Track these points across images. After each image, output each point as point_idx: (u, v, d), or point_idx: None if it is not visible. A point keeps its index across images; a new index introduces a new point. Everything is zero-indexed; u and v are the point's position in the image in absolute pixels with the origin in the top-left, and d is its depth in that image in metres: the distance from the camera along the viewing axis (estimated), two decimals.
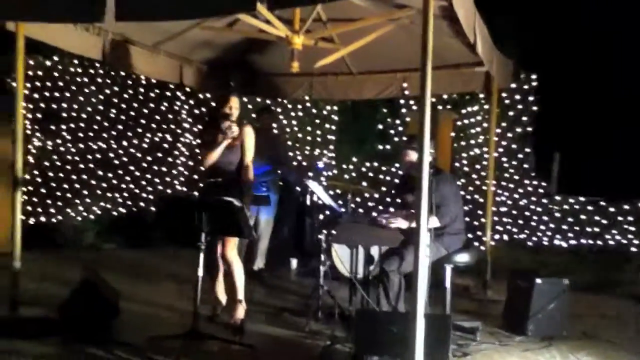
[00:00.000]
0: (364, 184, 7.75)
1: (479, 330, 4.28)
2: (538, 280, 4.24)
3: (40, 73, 7.52)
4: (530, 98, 7.41)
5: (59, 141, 7.68)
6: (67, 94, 7.71)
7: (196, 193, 7.76)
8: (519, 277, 4.49)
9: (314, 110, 8.43)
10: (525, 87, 7.39)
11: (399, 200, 6.46)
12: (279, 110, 8.30)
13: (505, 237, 7.27)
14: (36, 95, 7.49)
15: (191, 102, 8.53)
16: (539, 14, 7.94)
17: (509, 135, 7.40)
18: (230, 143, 4.27)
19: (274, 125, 7.30)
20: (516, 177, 7.35)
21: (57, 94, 7.64)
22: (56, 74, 7.64)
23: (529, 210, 7.23)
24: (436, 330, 3.08)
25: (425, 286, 2.98)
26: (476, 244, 6.84)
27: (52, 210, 7.65)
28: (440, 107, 7.54)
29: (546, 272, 6.16)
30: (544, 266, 6.57)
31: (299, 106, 8.40)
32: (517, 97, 7.41)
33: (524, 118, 7.39)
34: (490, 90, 5.90)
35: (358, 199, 7.81)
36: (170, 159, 8.45)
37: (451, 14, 4.09)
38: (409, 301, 2.98)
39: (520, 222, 7.25)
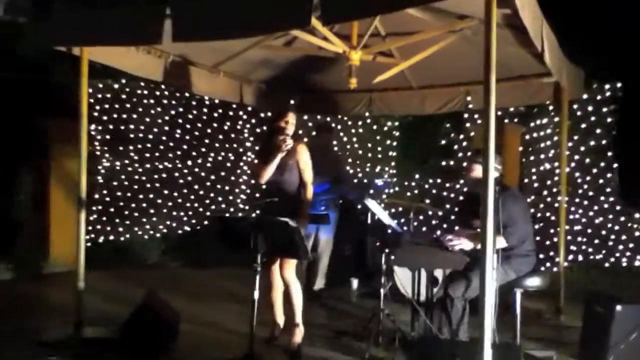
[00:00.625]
0: (427, 201, 7.52)
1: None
2: (618, 307, 3.87)
3: (108, 95, 7.79)
4: (604, 109, 6.98)
5: (126, 161, 7.92)
6: (134, 116, 7.95)
7: (257, 212, 7.79)
8: (597, 302, 4.12)
9: (374, 127, 8.31)
10: (599, 97, 6.97)
11: (462, 219, 6.23)
12: (338, 127, 8.23)
13: (580, 257, 6.83)
14: (105, 117, 7.76)
15: (253, 121, 8.60)
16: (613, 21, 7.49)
17: (582, 148, 6.98)
18: (285, 161, 4.20)
19: (334, 142, 7.22)
20: (590, 193, 6.91)
21: (124, 116, 7.90)
22: (124, 96, 7.90)
23: (605, 229, 6.76)
24: None
25: (492, 312, 2.75)
26: (548, 264, 6.46)
27: (120, 229, 7.87)
28: (507, 121, 7.23)
29: (626, 296, 5.74)
30: (623, 289, 6.11)
31: (359, 122, 8.30)
32: (590, 108, 7.00)
33: (598, 130, 6.96)
34: (560, 102, 5.57)
35: (421, 217, 7.58)
36: (233, 178, 8.54)
37: (516, 23, 3.89)
38: (477, 329, 2.78)
39: (596, 241, 6.79)
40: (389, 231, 6.02)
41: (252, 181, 8.50)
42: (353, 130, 8.33)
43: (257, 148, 8.44)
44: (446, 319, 3.76)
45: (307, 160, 4.28)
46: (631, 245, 6.59)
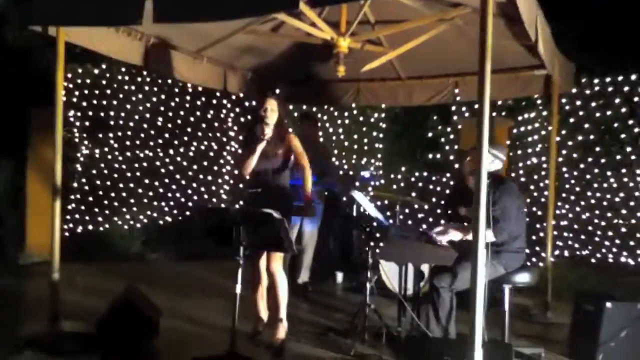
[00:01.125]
0: (413, 194, 7.43)
1: (542, 358, 3.90)
2: (608, 304, 3.81)
3: (88, 81, 7.56)
4: (593, 104, 6.92)
5: (106, 149, 7.71)
6: (115, 102, 7.74)
7: (241, 203, 7.65)
8: (586, 300, 4.05)
9: (360, 118, 8.19)
10: (587, 92, 6.91)
11: (449, 212, 6.14)
12: (324, 117, 8.10)
13: (566, 253, 6.79)
14: (84, 103, 7.53)
15: (237, 110, 8.43)
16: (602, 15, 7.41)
17: (570, 143, 6.93)
18: (273, 151, 4.07)
19: (319, 133, 7.09)
20: (577, 189, 6.86)
21: (104, 102, 7.68)
22: (104, 82, 7.68)
23: (592, 225, 6.72)
24: None
25: (483, 310, 2.66)
26: (534, 259, 6.41)
27: (99, 219, 7.67)
28: (494, 114, 7.15)
29: (615, 292, 5.70)
30: (610, 286, 6.07)
31: (345, 113, 8.18)
32: (579, 102, 6.95)
33: (586, 125, 6.91)
34: (551, 95, 5.50)
35: (406, 211, 7.49)
36: (216, 168, 8.37)
37: (510, 12, 3.79)
38: (465, 324, 2.68)
39: (583, 237, 6.75)
40: (375, 224, 5.92)
41: (236, 172, 8.34)
42: (339, 121, 8.21)
43: (241, 138, 8.30)
44: (434, 314, 3.66)
45: (298, 146, 4.15)
46: (617, 241, 6.55)
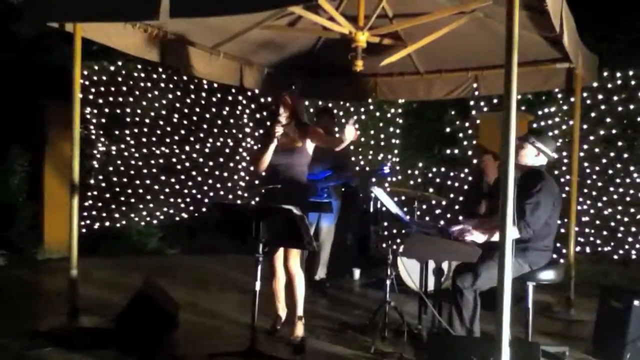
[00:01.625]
0: (431, 190, 7.34)
1: (566, 356, 3.82)
2: (636, 302, 3.72)
3: (104, 78, 7.57)
4: (615, 98, 6.78)
5: (122, 146, 7.72)
6: (131, 99, 7.75)
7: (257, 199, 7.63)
8: (613, 297, 3.96)
9: (377, 113, 8.12)
10: (610, 85, 6.77)
11: (467, 209, 6.04)
12: (340, 113, 8.04)
13: (588, 249, 6.67)
14: (100, 100, 7.55)
15: (253, 106, 8.41)
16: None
17: (591, 138, 6.80)
18: (292, 145, 4.02)
19: (335, 128, 7.03)
20: (599, 184, 6.73)
21: (121, 99, 7.69)
22: (120, 79, 7.69)
23: (614, 220, 6.59)
24: None
25: (509, 309, 2.59)
26: (555, 256, 6.30)
27: (116, 215, 7.70)
28: None
29: (637, 288, 5.59)
30: (633, 282, 5.97)
31: (362, 108, 8.11)
32: (600, 96, 6.81)
33: (608, 119, 6.77)
34: (574, 88, 5.39)
35: (424, 207, 7.41)
36: (232, 164, 8.35)
37: (533, 3, 3.69)
38: (488, 323, 2.61)
39: (605, 233, 6.62)
40: (394, 220, 5.85)
41: (252, 168, 8.31)
42: (355, 117, 8.14)
43: (257, 134, 8.27)
44: (457, 315, 3.58)
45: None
46: None
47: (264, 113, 8.32)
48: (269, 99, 8.02)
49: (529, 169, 3.75)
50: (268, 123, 4.30)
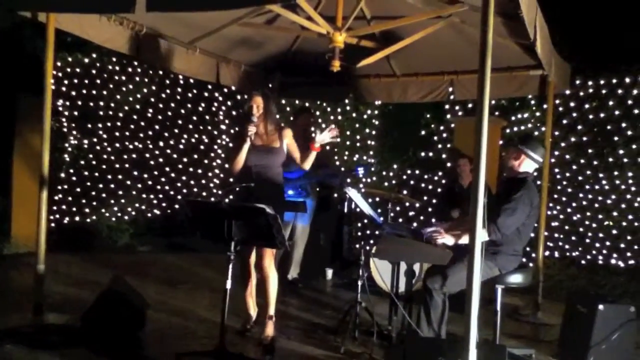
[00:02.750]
0: (405, 192, 7.39)
1: (533, 359, 3.88)
2: (601, 306, 3.80)
3: (78, 70, 7.43)
4: (587, 105, 6.91)
5: (95, 140, 7.59)
6: (105, 92, 7.62)
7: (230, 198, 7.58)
8: (579, 301, 4.04)
9: (353, 114, 8.14)
10: (581, 93, 6.89)
11: (441, 211, 6.10)
12: (317, 112, 8.03)
13: (557, 253, 6.78)
14: (73, 93, 7.41)
15: (229, 103, 8.35)
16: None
17: (562, 144, 6.91)
18: (265, 146, 4.02)
19: (312, 128, 7.04)
20: (569, 190, 6.85)
21: (94, 92, 7.56)
22: (94, 72, 7.56)
23: (583, 226, 6.72)
24: None
25: (477, 311, 2.61)
26: (524, 260, 6.39)
27: (87, 210, 7.56)
28: None
29: (603, 293, 5.71)
30: (600, 287, 6.09)
31: (339, 109, 8.12)
32: (572, 104, 6.93)
33: (579, 127, 6.89)
34: (546, 95, 5.48)
35: (398, 208, 7.46)
36: (206, 161, 8.28)
37: (509, 10, 3.75)
38: (456, 324, 2.63)
39: (574, 238, 6.74)
40: (367, 221, 5.86)
41: (227, 165, 8.26)
42: (332, 117, 8.15)
43: (231, 131, 8.22)
44: (425, 315, 3.61)
45: (292, 141, 4.18)
46: (608, 243, 6.55)
47: (240, 110, 8.27)
48: (245, 96, 7.98)
49: (516, 174, 3.80)
50: (240, 123, 4.31)
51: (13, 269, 5.99)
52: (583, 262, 6.63)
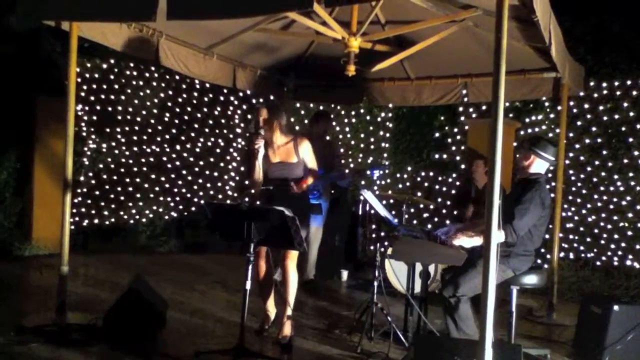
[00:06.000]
0: (419, 194, 7.43)
1: (548, 359, 3.91)
2: (616, 307, 3.83)
3: (96, 75, 7.57)
4: (601, 107, 6.91)
5: (113, 144, 7.73)
6: (123, 97, 7.75)
7: (247, 200, 7.67)
8: (593, 302, 4.07)
9: (367, 117, 8.20)
10: (595, 95, 6.89)
11: (455, 213, 6.14)
12: (331, 116, 8.10)
13: (571, 255, 6.78)
14: (92, 98, 7.55)
15: (244, 107, 8.45)
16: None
17: (577, 146, 6.92)
18: (285, 158, 4.12)
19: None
20: (584, 192, 6.85)
21: (112, 97, 7.69)
22: (112, 77, 7.69)
23: (597, 228, 6.72)
24: None
25: (493, 312, 2.66)
26: (539, 261, 6.41)
27: (106, 213, 7.70)
28: None
29: (618, 295, 5.72)
30: (614, 289, 6.09)
31: (353, 112, 8.19)
32: (586, 106, 6.94)
33: (594, 128, 6.90)
34: (560, 98, 5.51)
35: (412, 210, 7.50)
36: (222, 164, 8.39)
37: (522, 14, 3.79)
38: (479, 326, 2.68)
39: (589, 239, 6.74)
40: (382, 223, 5.90)
41: (242, 168, 8.36)
42: (346, 120, 8.22)
43: (247, 135, 8.31)
44: (451, 320, 3.65)
45: (310, 152, 4.20)
46: (623, 244, 6.55)
47: (249, 125, 8.37)
48: (261, 101, 8.08)
49: (528, 175, 3.84)
50: (249, 139, 4.38)
51: (34, 269, 6.13)
52: (598, 263, 6.63)
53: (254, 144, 4.04)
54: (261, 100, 6.36)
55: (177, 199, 8.15)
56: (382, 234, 5.03)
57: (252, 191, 4.20)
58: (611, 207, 6.66)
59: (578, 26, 6.74)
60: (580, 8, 6.79)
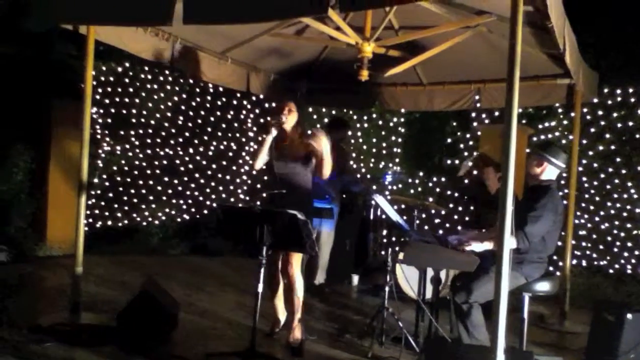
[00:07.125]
0: (430, 199, 7.43)
1: None
2: (629, 315, 3.80)
3: (111, 79, 7.65)
4: (614, 114, 6.88)
5: (127, 146, 7.79)
6: (137, 100, 7.82)
7: (258, 204, 7.70)
8: (606, 310, 4.04)
9: (380, 122, 8.22)
10: (609, 102, 6.86)
11: (467, 219, 6.14)
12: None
13: (584, 262, 6.74)
14: (107, 100, 7.63)
15: (257, 111, 8.50)
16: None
17: (590, 153, 6.89)
18: (298, 151, 4.11)
19: None
20: (597, 199, 6.82)
21: (127, 100, 7.76)
22: (127, 80, 7.77)
23: (611, 235, 6.67)
24: None
25: (505, 319, 2.66)
26: (551, 268, 6.38)
27: (119, 215, 7.76)
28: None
29: (630, 302, 5.66)
30: (627, 296, 6.04)
31: (365, 117, 8.20)
32: (600, 112, 6.90)
33: (607, 135, 6.86)
34: (574, 104, 5.49)
35: (423, 215, 7.49)
36: (234, 168, 8.43)
37: (536, 21, 3.79)
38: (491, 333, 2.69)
39: (601, 247, 6.70)
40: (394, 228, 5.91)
41: (254, 172, 8.39)
42: (358, 125, 8.24)
43: (259, 139, 8.35)
44: (462, 326, 3.65)
45: (327, 150, 3.99)
46: (636, 252, 6.50)
47: (268, 118, 8.40)
48: (273, 104, 8.11)
49: (540, 182, 3.83)
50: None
51: (48, 270, 6.18)
52: (610, 271, 6.58)
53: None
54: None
55: (190, 201, 8.20)
56: (394, 238, 5.00)
57: (264, 195, 4.19)
58: (624, 214, 6.62)
59: (588, 32, 6.72)
60: (591, 14, 6.77)
